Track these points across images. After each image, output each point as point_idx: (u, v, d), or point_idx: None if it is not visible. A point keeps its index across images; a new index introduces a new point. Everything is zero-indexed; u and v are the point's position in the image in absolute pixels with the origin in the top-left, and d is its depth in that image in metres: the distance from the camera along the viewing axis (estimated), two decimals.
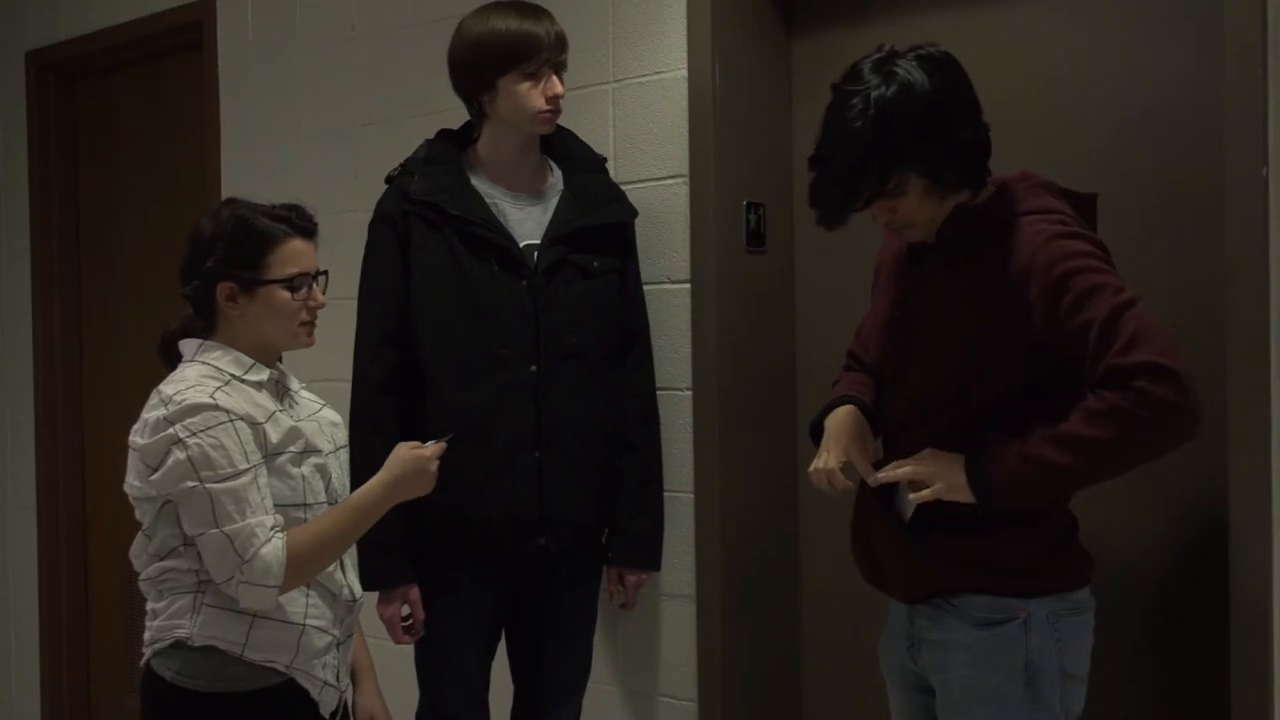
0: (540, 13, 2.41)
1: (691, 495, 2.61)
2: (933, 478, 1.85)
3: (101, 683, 4.16)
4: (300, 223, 2.03)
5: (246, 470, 1.91)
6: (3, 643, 4.36)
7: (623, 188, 2.59)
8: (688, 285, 2.60)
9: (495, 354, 2.36)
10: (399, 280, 2.42)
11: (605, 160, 2.59)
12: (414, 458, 2.04)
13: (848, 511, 2.61)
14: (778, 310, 2.72)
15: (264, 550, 1.89)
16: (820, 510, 2.71)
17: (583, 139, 2.59)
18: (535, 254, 2.41)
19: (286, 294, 2.01)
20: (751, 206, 2.63)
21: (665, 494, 2.62)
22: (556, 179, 2.51)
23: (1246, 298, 1.97)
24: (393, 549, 2.35)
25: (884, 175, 1.81)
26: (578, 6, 2.73)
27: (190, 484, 1.88)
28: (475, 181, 2.44)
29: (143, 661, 2.03)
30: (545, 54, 2.35)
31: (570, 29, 2.46)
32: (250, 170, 3.45)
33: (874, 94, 1.79)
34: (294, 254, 2.01)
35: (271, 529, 1.91)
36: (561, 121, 2.49)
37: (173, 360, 2.06)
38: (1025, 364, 1.81)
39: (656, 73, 2.65)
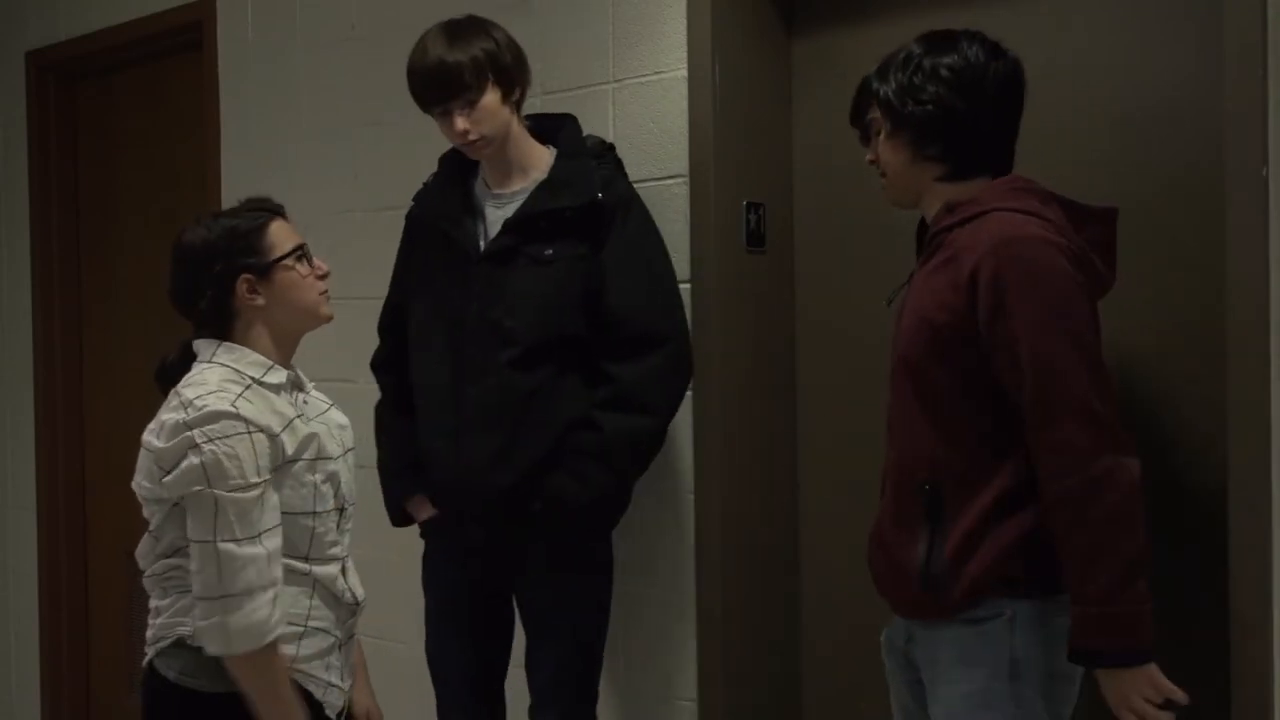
0: (432, 44, 2.41)
1: (692, 495, 2.61)
2: None
3: (101, 683, 4.16)
4: (271, 206, 2.10)
5: (256, 484, 1.91)
6: (3, 643, 4.35)
7: None
8: (688, 285, 2.59)
9: (442, 343, 2.43)
10: (401, 278, 2.57)
11: (600, 145, 2.49)
12: None
13: (848, 512, 2.61)
14: (778, 310, 2.72)
15: (263, 612, 1.89)
16: (820, 511, 2.71)
17: (586, 130, 2.54)
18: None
19: (300, 266, 2.05)
20: (751, 206, 2.63)
21: (664, 495, 2.62)
22: (543, 171, 2.44)
23: (1246, 297, 1.97)
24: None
25: (865, 106, 2.00)
26: (578, 6, 2.73)
27: (199, 488, 1.88)
28: (474, 184, 2.47)
29: (145, 660, 2.03)
30: (423, 98, 2.40)
31: (570, 29, 2.46)
32: (250, 170, 3.45)
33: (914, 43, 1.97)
34: (284, 232, 2.07)
35: (274, 600, 1.90)
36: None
37: (171, 387, 2.03)
38: (976, 358, 1.80)
39: (656, 73, 2.65)
